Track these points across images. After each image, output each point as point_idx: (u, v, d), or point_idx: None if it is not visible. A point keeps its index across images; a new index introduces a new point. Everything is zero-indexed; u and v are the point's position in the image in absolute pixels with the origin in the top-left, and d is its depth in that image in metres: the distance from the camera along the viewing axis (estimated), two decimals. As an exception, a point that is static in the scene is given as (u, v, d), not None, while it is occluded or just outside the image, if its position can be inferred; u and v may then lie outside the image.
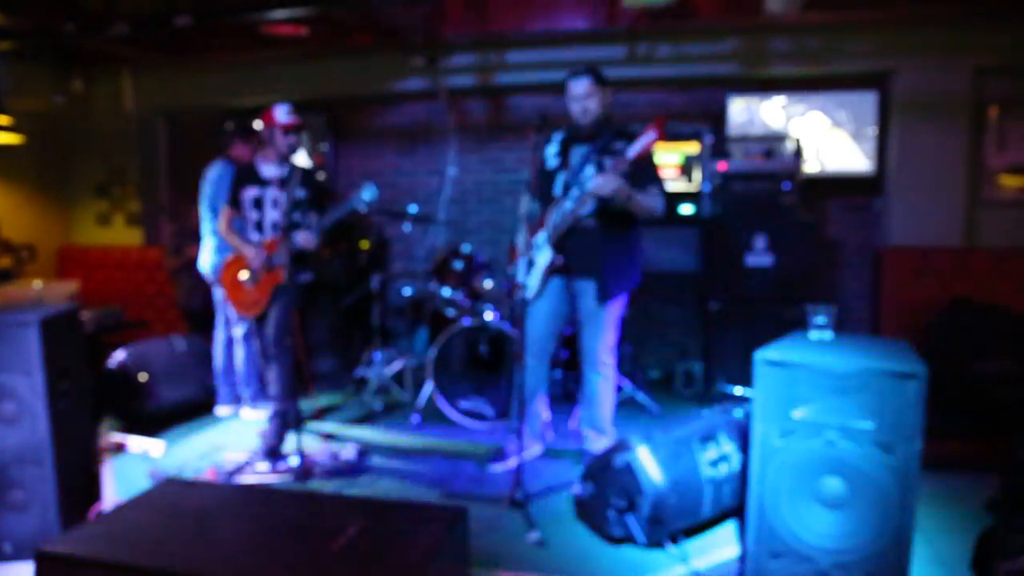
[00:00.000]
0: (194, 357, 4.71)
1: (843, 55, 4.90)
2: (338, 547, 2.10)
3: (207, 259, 4.59)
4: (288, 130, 3.80)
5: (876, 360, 2.30)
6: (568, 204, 3.43)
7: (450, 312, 4.67)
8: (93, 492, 3.10)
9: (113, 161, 6.56)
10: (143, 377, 4.30)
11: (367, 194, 3.64)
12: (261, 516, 2.37)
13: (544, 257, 3.53)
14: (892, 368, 2.25)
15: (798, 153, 4.69)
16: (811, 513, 2.36)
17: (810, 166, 5.05)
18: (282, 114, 3.80)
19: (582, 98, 3.42)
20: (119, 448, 3.98)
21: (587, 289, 3.49)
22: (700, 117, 5.41)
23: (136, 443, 3.97)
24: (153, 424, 4.29)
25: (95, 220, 6.69)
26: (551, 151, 3.64)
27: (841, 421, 2.30)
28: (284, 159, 3.85)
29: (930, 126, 4.85)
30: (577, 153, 3.52)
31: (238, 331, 4.41)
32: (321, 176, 5.39)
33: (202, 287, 5.14)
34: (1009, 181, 4.89)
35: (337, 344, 5.51)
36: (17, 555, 2.76)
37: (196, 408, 4.63)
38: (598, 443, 3.57)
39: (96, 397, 3.55)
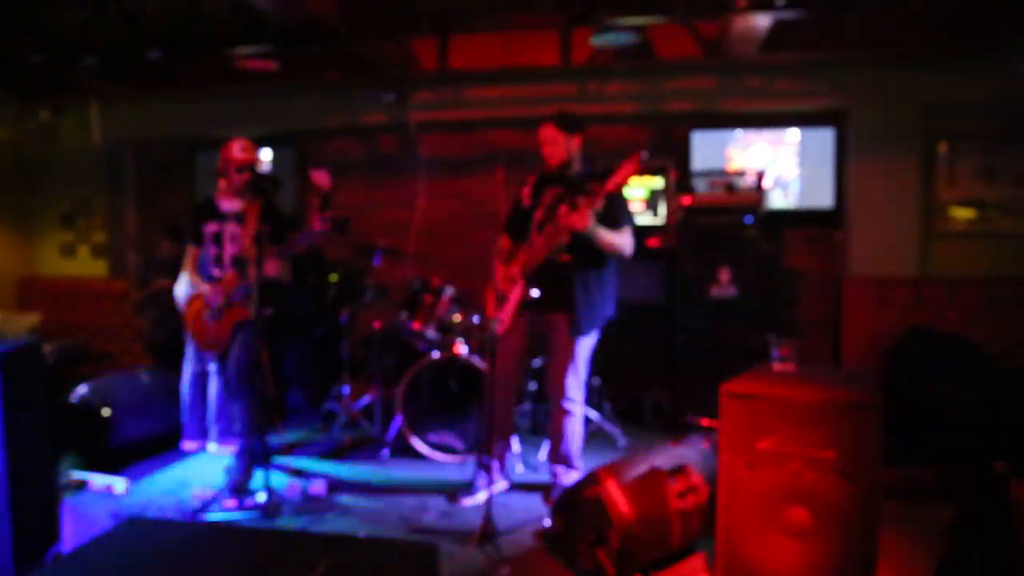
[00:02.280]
0: (160, 391, 4.61)
1: (801, 93, 5.08)
2: (306, 585, 2.08)
3: (180, 290, 4.56)
4: (240, 166, 3.79)
5: (835, 391, 2.36)
6: (541, 240, 3.49)
7: (420, 346, 4.66)
8: (51, 532, 3.00)
9: (79, 191, 6.47)
10: (106, 412, 4.20)
11: (323, 227, 3.64)
12: (228, 555, 2.33)
13: (516, 292, 3.57)
14: (851, 399, 2.31)
15: (759, 187, 4.82)
16: (778, 543, 2.39)
17: (771, 200, 5.19)
18: (236, 150, 3.81)
19: (547, 143, 3.54)
20: (80, 486, 3.87)
21: (559, 324, 3.53)
22: (665, 152, 5.54)
23: (98, 480, 3.87)
24: (116, 460, 4.18)
25: (59, 251, 6.57)
26: (525, 191, 3.71)
27: (805, 451, 2.34)
28: (242, 194, 3.84)
29: (884, 161, 5.03)
30: (550, 193, 3.59)
31: (212, 366, 4.36)
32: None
33: (168, 319, 5.07)
34: (959, 213, 5.08)
35: (306, 378, 5.45)
36: (-34, 599, 2.67)
37: (161, 443, 4.52)
38: (567, 477, 3.58)
39: (57, 432, 3.47)
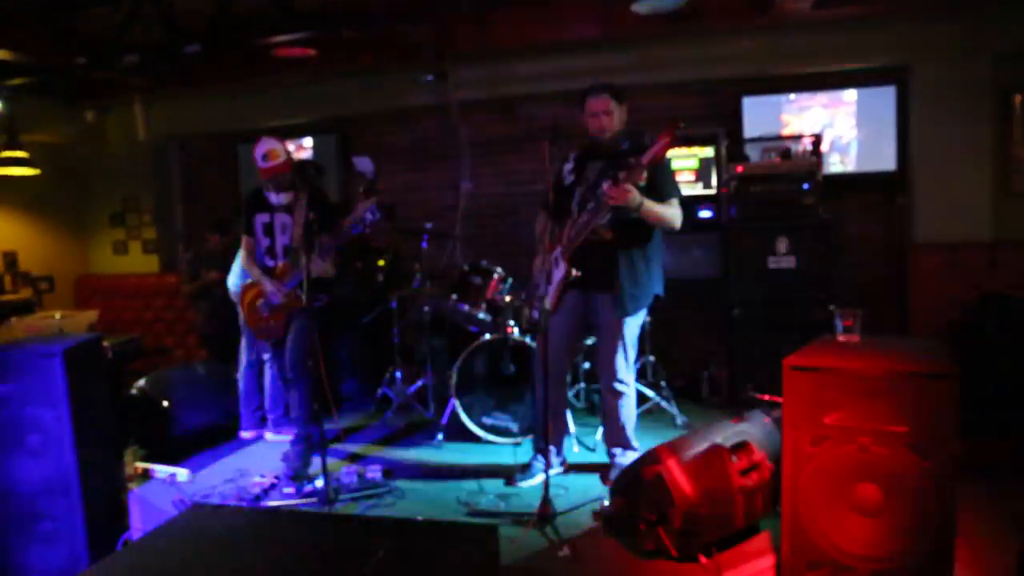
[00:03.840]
0: (215, 382, 4.72)
1: (858, 51, 4.84)
2: (368, 570, 2.08)
3: (233, 280, 4.63)
4: (271, 176, 3.74)
5: (906, 361, 2.24)
6: (584, 217, 3.40)
7: (471, 328, 4.64)
8: (120, 521, 3.09)
9: (127, 190, 6.64)
10: (165, 404, 4.31)
11: (368, 214, 3.61)
12: (289, 540, 2.35)
13: (559, 272, 3.50)
14: (924, 370, 2.18)
15: (816, 152, 4.62)
16: (847, 521, 2.29)
17: (829, 165, 4.98)
18: (259, 159, 3.75)
19: (600, 114, 3.40)
20: (144, 476, 3.98)
21: (604, 303, 3.45)
22: (715, 120, 5.37)
23: (161, 470, 3.98)
24: (177, 450, 4.28)
25: (111, 249, 6.78)
26: (567, 167, 3.61)
27: (874, 425, 2.23)
28: (288, 188, 3.82)
29: (952, 118, 4.77)
30: (593, 169, 3.49)
31: (267, 355, 4.42)
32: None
33: (221, 312, 5.17)
34: (1039, 171, 4.79)
35: (358, 364, 5.50)
36: (48, 588, 2.76)
37: (219, 433, 4.63)
38: (624, 457, 3.52)
39: (120, 425, 3.56)
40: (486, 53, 5.28)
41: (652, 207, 3.27)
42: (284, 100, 5.92)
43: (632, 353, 3.52)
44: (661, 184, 3.35)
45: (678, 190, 3.47)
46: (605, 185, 3.23)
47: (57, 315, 4.67)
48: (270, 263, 3.88)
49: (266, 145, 3.77)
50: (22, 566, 2.78)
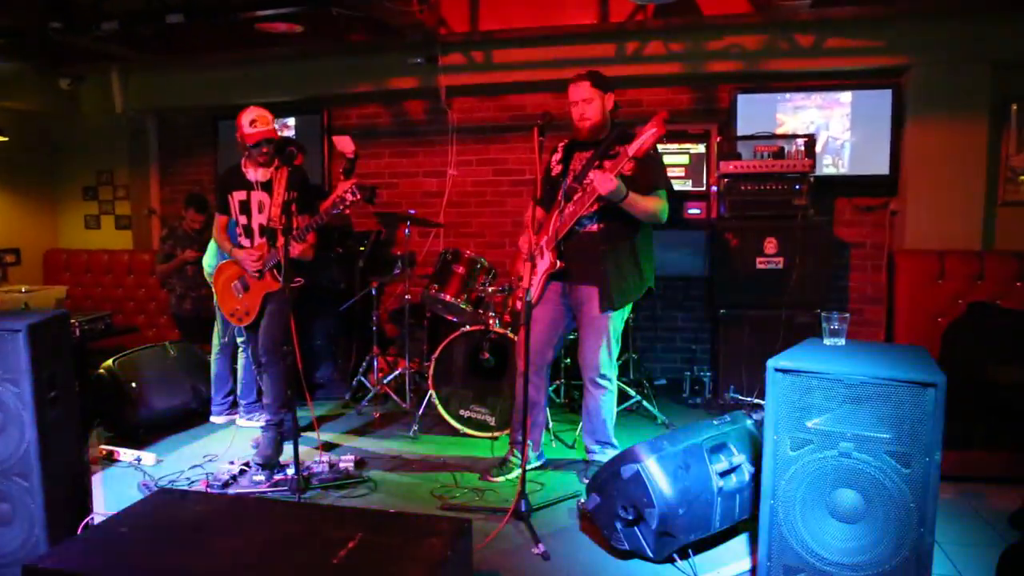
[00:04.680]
0: (187, 364, 4.62)
1: (856, 51, 4.81)
2: (338, 559, 2.04)
3: (207, 261, 4.52)
4: (256, 142, 3.64)
5: (892, 368, 2.21)
6: (570, 208, 3.34)
7: (451, 318, 4.56)
8: (82, 505, 3.00)
9: (102, 163, 6.47)
10: (133, 385, 4.21)
11: (349, 195, 3.51)
12: (258, 528, 2.34)
13: (544, 263, 3.43)
14: (909, 376, 2.16)
15: (809, 153, 4.58)
16: (826, 526, 2.28)
17: (821, 166, 4.94)
18: (247, 124, 3.65)
19: (580, 102, 3.34)
20: (110, 458, 3.89)
21: (589, 297, 3.39)
22: (708, 116, 5.32)
23: (127, 453, 3.89)
24: (144, 433, 4.20)
25: (83, 223, 6.60)
26: (555, 158, 3.55)
27: (856, 431, 2.21)
28: (266, 164, 3.72)
29: (948, 124, 4.75)
30: (580, 159, 3.43)
31: (241, 338, 4.33)
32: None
33: (195, 292, 5.06)
34: (1030, 181, 4.79)
35: (335, 351, 5.41)
36: (2, 571, 2.68)
37: (189, 417, 4.55)
38: (603, 454, 3.48)
39: (85, 406, 3.46)
40: (477, 38, 5.19)
41: (636, 200, 3.21)
42: (268, 77, 5.80)
43: (616, 348, 3.47)
44: (648, 174, 3.29)
45: (667, 183, 3.41)
46: (591, 174, 3.16)
47: (23, 289, 4.53)
48: (246, 242, 3.78)
49: (254, 112, 3.68)
50: (-27, 548, 2.69)
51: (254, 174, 3.75)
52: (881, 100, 4.93)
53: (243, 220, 3.77)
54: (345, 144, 4.44)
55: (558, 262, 3.38)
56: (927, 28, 4.67)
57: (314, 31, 4.87)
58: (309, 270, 3.90)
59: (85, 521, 2.91)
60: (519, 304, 3.56)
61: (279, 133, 4.00)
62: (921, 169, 4.83)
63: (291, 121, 6.10)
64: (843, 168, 5.07)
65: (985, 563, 2.58)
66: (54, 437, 2.77)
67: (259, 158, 3.69)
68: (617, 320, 3.42)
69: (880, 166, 4.99)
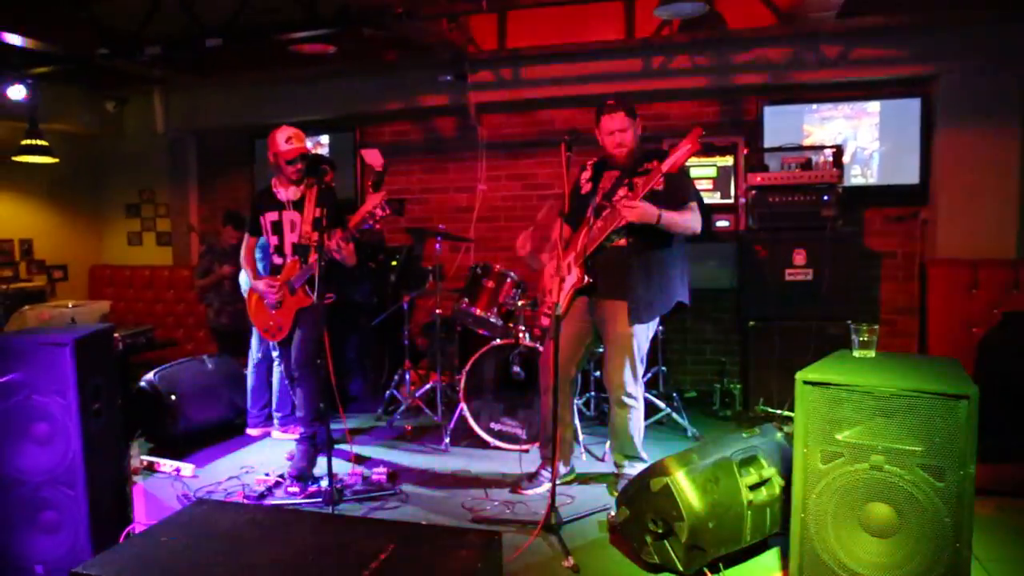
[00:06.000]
0: (224, 377, 4.71)
1: (884, 61, 4.77)
2: (370, 571, 2.06)
3: (243, 277, 4.63)
4: (289, 159, 3.75)
5: (923, 380, 2.19)
6: (599, 224, 3.36)
7: (481, 332, 4.60)
8: (124, 514, 3.08)
9: (144, 181, 6.68)
10: (173, 397, 4.31)
11: (378, 209, 3.57)
12: (292, 538, 2.36)
13: (572, 278, 3.46)
14: (941, 389, 2.14)
15: (837, 163, 4.56)
16: (857, 541, 2.26)
17: (850, 177, 4.91)
18: (281, 141, 3.76)
19: (617, 132, 3.35)
20: (150, 469, 3.99)
21: (615, 312, 3.39)
22: (734, 128, 5.31)
23: (167, 464, 3.98)
24: (183, 445, 4.29)
25: (126, 240, 6.82)
26: (584, 176, 3.58)
27: (887, 444, 2.19)
28: (298, 182, 3.81)
29: (978, 132, 4.69)
30: (610, 176, 3.46)
31: (275, 352, 4.42)
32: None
33: (232, 306, 5.18)
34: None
35: (367, 365, 5.47)
36: (51, 577, 2.76)
37: (227, 429, 4.63)
38: (632, 468, 3.47)
39: (127, 418, 3.56)
40: (505, 55, 5.26)
41: (673, 218, 3.22)
42: (302, 96, 5.93)
43: (641, 366, 3.46)
44: (678, 189, 3.31)
45: (697, 193, 3.42)
46: (622, 192, 3.18)
47: (69, 304, 4.69)
48: (278, 261, 3.87)
49: (289, 130, 3.79)
50: (24, 555, 2.78)
51: (285, 193, 3.84)
52: (910, 109, 4.89)
53: (275, 240, 3.85)
54: (374, 157, 4.53)
55: (586, 277, 3.41)
56: (955, 36, 4.62)
57: (346, 51, 4.98)
58: (341, 285, 3.97)
59: (127, 530, 2.99)
60: (545, 320, 3.59)
61: (313, 151, 4.09)
62: (952, 178, 4.77)
63: (324, 139, 6.22)
64: (872, 178, 5.02)
65: (1023, 578, 2.53)
66: (98, 448, 2.84)
67: (293, 175, 3.78)
68: (642, 337, 3.41)
69: (910, 175, 4.93)
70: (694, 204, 3.35)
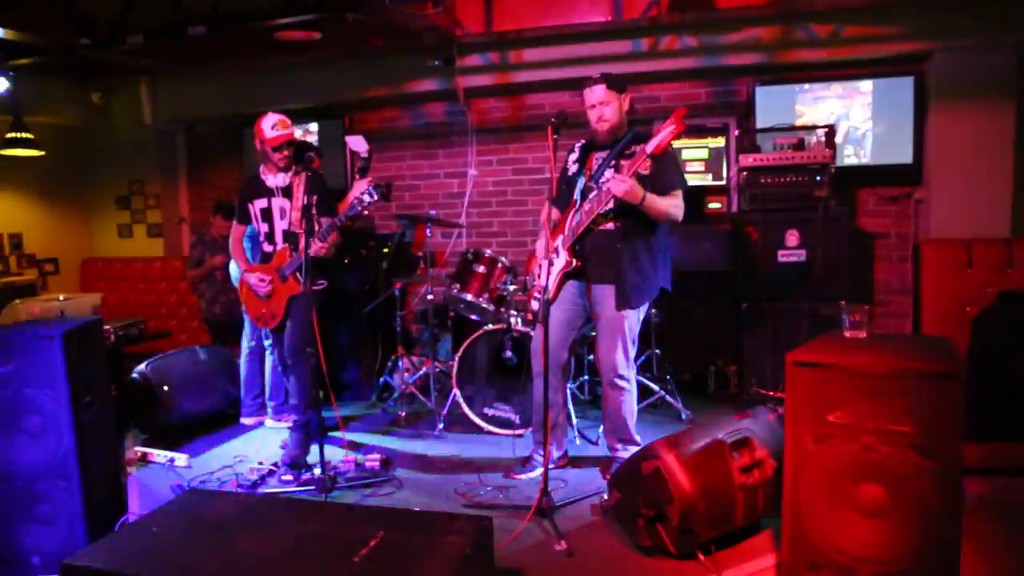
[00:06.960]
0: (217, 367, 4.71)
1: (876, 39, 4.73)
2: (360, 557, 2.09)
3: (234, 267, 4.61)
4: (276, 146, 3.73)
5: (914, 360, 2.18)
6: (586, 206, 3.35)
7: (473, 317, 4.59)
8: (118, 505, 3.09)
9: (133, 173, 6.64)
10: (165, 388, 4.30)
11: (366, 195, 3.57)
12: (284, 527, 2.39)
13: (560, 261, 3.44)
14: (930, 368, 2.13)
15: (829, 143, 4.53)
16: (849, 521, 2.25)
17: (843, 157, 4.88)
18: (267, 129, 3.74)
19: (597, 105, 3.34)
20: (143, 460, 3.99)
21: (606, 295, 3.39)
22: (726, 109, 5.28)
23: (160, 454, 3.98)
24: (177, 435, 4.29)
25: (116, 232, 6.79)
26: (572, 157, 3.56)
27: (878, 424, 2.18)
28: (285, 169, 3.80)
29: (972, 110, 4.66)
30: (597, 158, 3.44)
31: (268, 341, 4.41)
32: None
33: (224, 296, 5.16)
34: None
35: (359, 352, 5.47)
36: (45, 568, 2.76)
37: (220, 418, 4.63)
38: (625, 451, 3.48)
39: (119, 409, 3.56)
40: (492, 38, 5.21)
41: (654, 201, 3.21)
42: (289, 84, 5.88)
43: (633, 348, 3.46)
44: (664, 173, 3.29)
45: (683, 181, 3.40)
46: (608, 173, 3.16)
47: (60, 297, 4.66)
48: (268, 248, 3.85)
49: (275, 116, 3.78)
50: (20, 547, 2.80)
51: (273, 180, 3.82)
52: (903, 88, 4.85)
53: (264, 228, 3.84)
54: (358, 143, 4.51)
55: (574, 261, 3.40)
56: (949, 13, 4.57)
57: (332, 38, 4.93)
58: (332, 272, 3.96)
59: (121, 520, 3.00)
60: (534, 304, 3.59)
61: (300, 138, 4.07)
62: (946, 156, 4.75)
63: (313, 127, 6.18)
64: (865, 158, 5.00)
65: (1016, 555, 2.54)
66: (91, 440, 2.85)
67: (280, 162, 3.76)
68: (633, 320, 3.41)
69: (903, 155, 4.91)
70: (679, 192, 3.33)
